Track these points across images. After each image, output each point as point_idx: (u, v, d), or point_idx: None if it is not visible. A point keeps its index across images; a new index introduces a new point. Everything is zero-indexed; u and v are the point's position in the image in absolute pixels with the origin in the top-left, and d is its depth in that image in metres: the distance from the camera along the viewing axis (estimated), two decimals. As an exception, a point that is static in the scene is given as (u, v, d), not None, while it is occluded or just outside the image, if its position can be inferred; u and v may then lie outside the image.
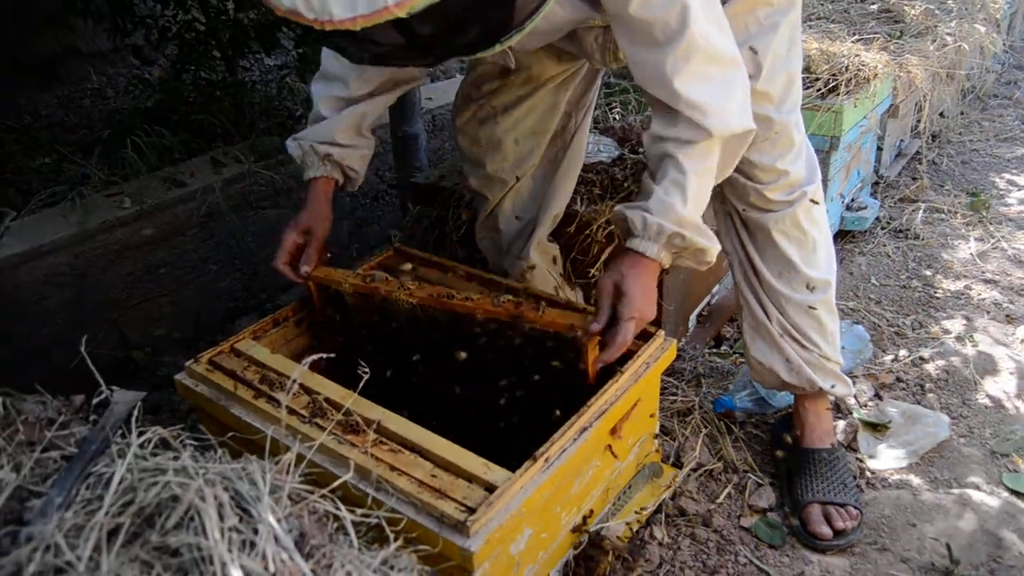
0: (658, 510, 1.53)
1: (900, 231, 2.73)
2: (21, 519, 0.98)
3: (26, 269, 2.17)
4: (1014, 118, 3.99)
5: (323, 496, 0.98)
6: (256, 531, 0.89)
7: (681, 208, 1.24)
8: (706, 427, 1.74)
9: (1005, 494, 1.60)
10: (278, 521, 0.89)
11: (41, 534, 0.91)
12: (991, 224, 2.75)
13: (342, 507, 0.98)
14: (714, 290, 2.21)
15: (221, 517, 0.89)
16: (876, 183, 3.05)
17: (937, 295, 2.33)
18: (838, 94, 2.31)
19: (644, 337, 1.46)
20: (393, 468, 1.16)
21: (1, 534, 0.95)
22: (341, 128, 1.52)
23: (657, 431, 1.55)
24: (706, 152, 1.24)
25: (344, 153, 1.54)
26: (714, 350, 2.08)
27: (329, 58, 1.52)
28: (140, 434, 1.05)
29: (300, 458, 1.02)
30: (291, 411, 1.27)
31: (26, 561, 0.87)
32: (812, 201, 1.52)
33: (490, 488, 1.13)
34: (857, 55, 2.45)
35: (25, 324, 2.17)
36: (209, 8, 2.89)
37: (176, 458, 1.01)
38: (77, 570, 0.83)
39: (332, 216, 1.56)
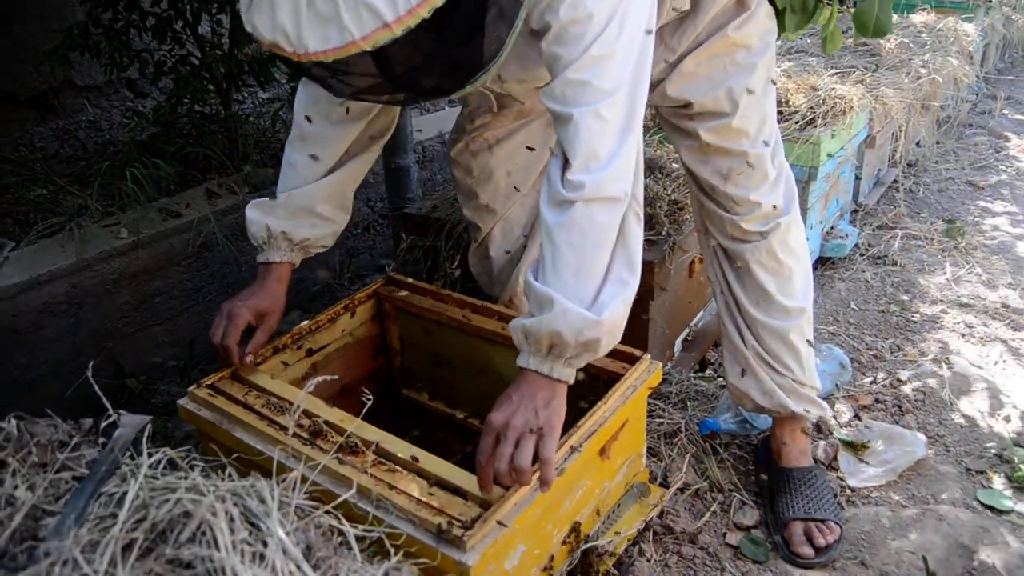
0: (646, 528, 1.58)
1: (878, 257, 2.81)
2: (36, 536, 1.02)
3: (24, 298, 2.21)
4: (988, 146, 4.11)
5: (327, 512, 1.04)
6: (265, 544, 0.94)
7: None
8: (692, 448, 1.80)
9: (980, 509, 1.66)
10: (287, 534, 0.94)
11: (59, 549, 0.95)
12: (966, 250, 2.84)
13: (345, 522, 1.03)
14: (699, 316, 2.28)
15: (232, 531, 0.94)
16: (855, 211, 3.14)
17: (914, 319, 2.40)
18: (816, 126, 2.40)
19: (631, 361, 1.52)
20: (392, 487, 1.21)
21: (18, 550, 1.00)
22: (322, 197, 1.49)
23: (644, 452, 1.60)
24: None
25: (319, 233, 1.51)
26: (699, 374, 2.14)
27: (306, 113, 1.47)
28: (150, 455, 1.09)
29: (304, 478, 1.07)
30: (293, 434, 1.31)
31: (45, 575, 0.92)
32: (787, 231, 1.59)
33: (485, 505, 1.18)
34: (833, 88, 2.54)
35: (23, 352, 2.21)
36: (204, 43, 2.97)
37: (185, 477, 1.06)
38: (95, 582, 0.87)
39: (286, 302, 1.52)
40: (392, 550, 1.06)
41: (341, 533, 1.03)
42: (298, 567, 0.91)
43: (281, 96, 3.63)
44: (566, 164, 1.17)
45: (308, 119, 1.45)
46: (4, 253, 2.32)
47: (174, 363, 2.55)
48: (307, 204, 1.49)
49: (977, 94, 5.06)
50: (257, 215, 1.49)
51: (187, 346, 2.59)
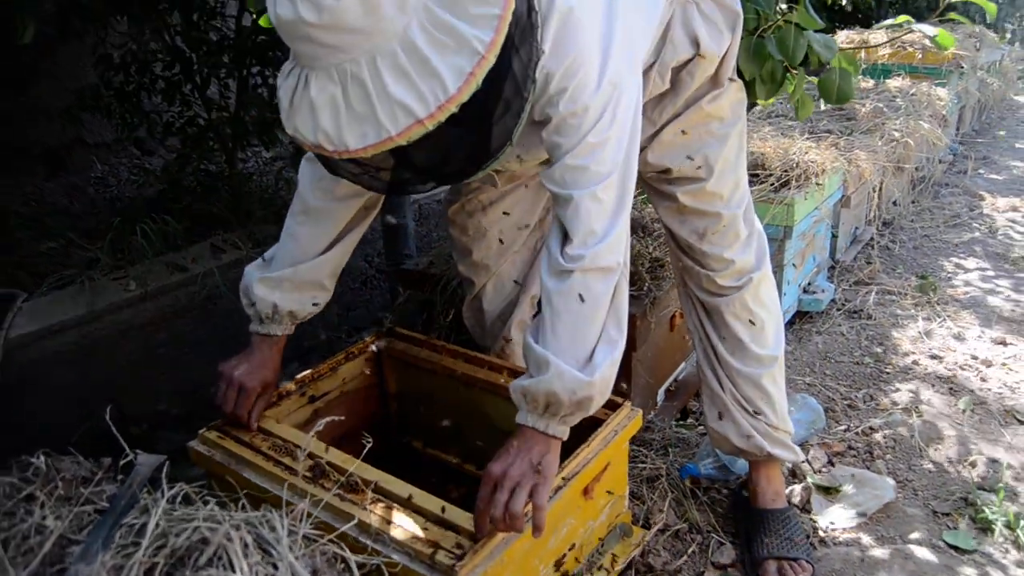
0: (628, 566, 1.67)
1: (854, 312, 2.94)
2: (63, 562, 1.12)
3: (37, 348, 2.31)
4: (963, 205, 4.28)
5: (331, 540, 1.14)
6: (276, 567, 1.04)
7: None
8: (673, 492, 1.89)
9: (945, 549, 1.76)
10: (296, 559, 1.04)
11: (88, 572, 1.05)
12: (938, 304, 2.97)
13: (347, 551, 1.13)
14: (681, 367, 2.39)
15: (246, 556, 1.03)
16: (832, 267, 3.28)
17: (887, 370, 2.52)
18: (790, 188, 2.54)
19: (612, 407, 1.62)
20: (389, 522, 1.30)
21: (49, 572, 1.09)
22: (329, 271, 1.59)
23: (627, 494, 1.70)
24: None
25: (319, 303, 1.61)
26: (680, 422, 2.24)
27: (312, 190, 1.53)
28: (169, 488, 1.19)
29: (308, 514, 1.17)
30: (298, 473, 1.41)
31: (76, 595, 1.01)
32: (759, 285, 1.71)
33: (476, 539, 1.27)
34: (806, 153, 2.70)
35: (33, 399, 2.29)
36: (211, 105, 3.12)
37: (200, 510, 1.16)
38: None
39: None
40: (389, 577, 1.16)
41: (344, 560, 1.13)
42: (306, 588, 1.01)
43: (283, 155, 3.78)
44: (566, 239, 1.29)
45: (314, 192, 1.54)
46: (17, 303, 2.43)
47: (177, 411, 2.63)
48: (315, 278, 1.58)
49: (954, 155, 5.26)
50: (264, 291, 1.56)
51: (190, 395, 2.68)
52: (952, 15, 2.05)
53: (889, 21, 2.16)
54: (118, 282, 2.55)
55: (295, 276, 1.56)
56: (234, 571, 1.01)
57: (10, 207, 3.28)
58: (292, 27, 1.07)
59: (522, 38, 1.11)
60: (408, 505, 1.35)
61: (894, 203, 4.01)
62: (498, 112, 1.13)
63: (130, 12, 2.89)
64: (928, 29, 1.91)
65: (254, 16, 2.79)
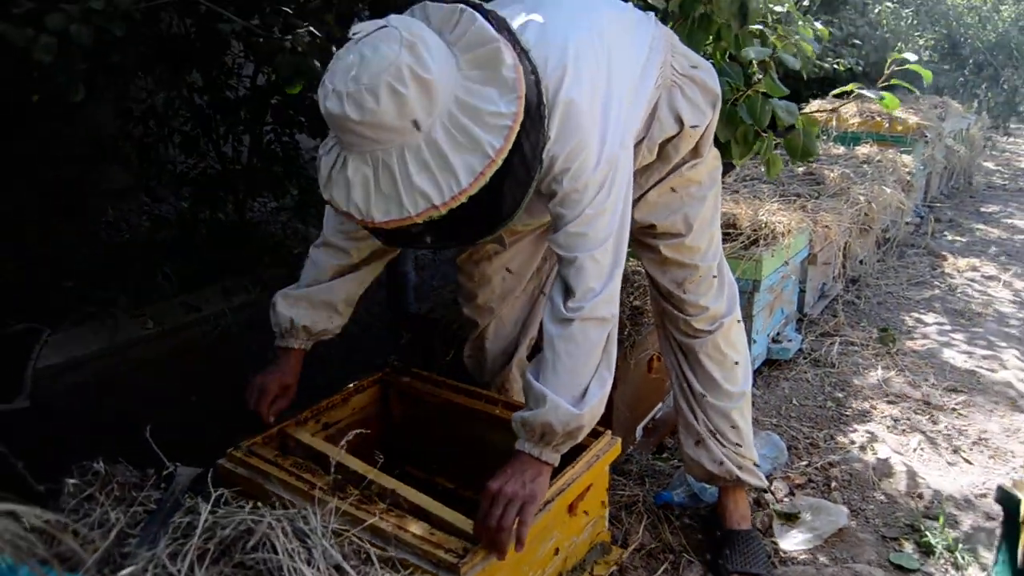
0: (608, 580, 1.85)
1: (819, 361, 3.17)
2: (122, 552, 1.31)
3: (59, 381, 2.48)
4: (926, 265, 4.56)
5: (354, 535, 1.33)
6: (311, 553, 1.23)
7: None
8: (648, 516, 2.09)
9: (891, 568, 1.97)
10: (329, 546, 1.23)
11: (150, 554, 1.24)
12: (897, 355, 3.21)
13: (368, 545, 1.33)
14: (658, 407, 2.60)
15: (287, 542, 1.23)
16: (801, 320, 3.52)
17: (847, 413, 2.74)
18: (759, 245, 2.79)
19: (595, 435, 1.82)
20: (401, 528, 1.49)
21: (116, 554, 1.29)
22: (342, 297, 1.79)
23: (607, 516, 1.89)
24: None
25: (334, 324, 1.81)
26: (657, 456, 2.44)
27: (332, 230, 1.75)
28: (215, 490, 1.39)
29: (337, 508, 1.37)
30: (318, 486, 1.60)
31: (141, 572, 1.21)
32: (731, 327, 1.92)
33: (476, 543, 1.46)
34: (774, 214, 2.95)
35: (53, 427, 2.45)
36: (225, 159, 3.35)
37: (242, 507, 1.35)
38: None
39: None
40: (402, 569, 1.35)
41: (366, 552, 1.32)
42: (337, 568, 1.20)
43: (287, 205, 4.00)
44: (568, 293, 1.51)
45: (338, 231, 1.76)
46: (43, 338, 2.61)
47: (186, 443, 2.79)
48: (328, 299, 1.79)
49: (922, 217, 5.56)
50: (283, 307, 1.78)
51: (200, 429, 2.84)
52: (895, 81, 2.31)
53: (840, 89, 2.41)
54: (136, 320, 2.74)
55: (310, 296, 1.78)
56: (277, 554, 1.21)
57: (34, 245, 3.47)
58: (338, 120, 1.30)
59: (532, 127, 1.34)
60: (417, 513, 1.54)
61: (860, 262, 4.27)
62: (508, 185, 1.35)
63: (153, 71, 3.13)
64: (874, 95, 2.17)
65: (269, 79, 3.04)
